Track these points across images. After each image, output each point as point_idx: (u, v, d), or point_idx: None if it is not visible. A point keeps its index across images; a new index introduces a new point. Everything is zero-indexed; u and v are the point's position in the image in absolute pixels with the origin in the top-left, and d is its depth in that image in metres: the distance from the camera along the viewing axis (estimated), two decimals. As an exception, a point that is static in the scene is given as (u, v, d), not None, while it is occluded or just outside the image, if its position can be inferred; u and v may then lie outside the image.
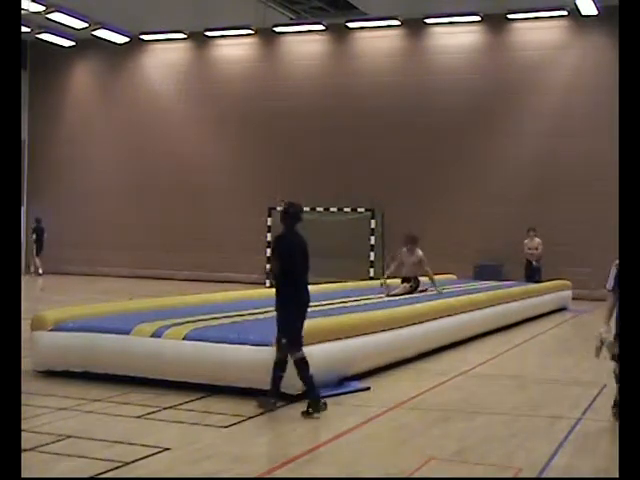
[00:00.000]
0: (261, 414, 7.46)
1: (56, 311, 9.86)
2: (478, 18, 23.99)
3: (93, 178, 28.40)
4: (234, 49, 27.11)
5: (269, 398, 7.69)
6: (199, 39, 27.24)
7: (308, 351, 8.09)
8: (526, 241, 20.72)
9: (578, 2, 21.48)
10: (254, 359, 8.11)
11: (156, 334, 8.68)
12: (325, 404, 7.58)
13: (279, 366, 7.70)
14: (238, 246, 26.11)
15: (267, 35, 26.21)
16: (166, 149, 27.50)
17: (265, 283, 23.95)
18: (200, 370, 8.32)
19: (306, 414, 7.44)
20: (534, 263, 20.50)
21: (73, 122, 29.07)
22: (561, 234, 22.14)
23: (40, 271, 26.79)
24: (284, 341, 7.66)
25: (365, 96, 25.23)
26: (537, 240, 20.57)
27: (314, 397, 7.54)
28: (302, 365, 7.62)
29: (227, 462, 5.95)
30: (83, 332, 8.99)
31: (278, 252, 7.84)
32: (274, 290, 7.89)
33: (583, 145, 22.93)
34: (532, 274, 20.25)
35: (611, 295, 6.83)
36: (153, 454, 6.07)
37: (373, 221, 23.54)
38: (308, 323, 8.71)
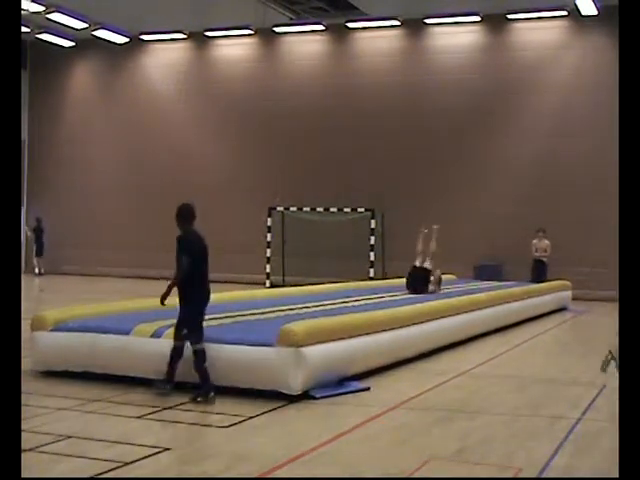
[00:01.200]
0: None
1: (56, 311, 9.85)
2: (478, 18, 23.99)
3: (93, 178, 28.40)
4: (234, 49, 27.12)
5: (164, 383, 8.03)
6: (199, 39, 27.25)
7: (309, 351, 8.12)
8: (534, 241, 20.76)
9: (578, 2, 21.48)
10: (254, 359, 8.11)
11: (156, 334, 8.69)
12: (214, 397, 7.84)
13: (176, 353, 8.09)
14: (238, 246, 26.10)
15: (267, 35, 26.22)
16: (166, 149, 27.51)
17: (265, 283, 23.99)
18: (200, 370, 8.31)
19: (194, 401, 7.82)
20: (545, 260, 20.56)
21: (73, 122, 29.08)
22: (561, 234, 22.14)
23: (42, 270, 26.81)
24: (185, 331, 8.09)
25: (365, 96, 25.24)
26: (546, 242, 20.62)
27: (206, 388, 7.88)
28: (200, 355, 7.97)
29: (227, 462, 5.94)
30: (83, 332, 8.99)
31: (182, 252, 8.30)
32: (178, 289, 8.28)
33: (583, 145, 22.94)
34: (539, 275, 20.23)
35: None
36: (153, 454, 6.07)
37: (373, 221, 23.54)
38: (309, 323, 8.74)
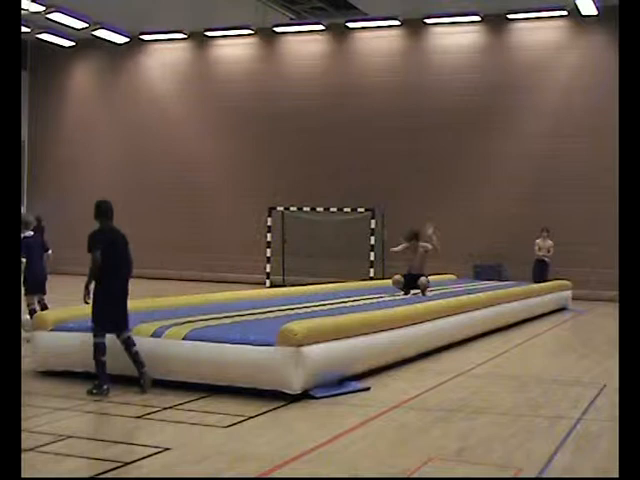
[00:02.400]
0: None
1: (56, 311, 9.84)
2: (478, 18, 23.99)
3: (93, 178, 28.39)
4: (234, 49, 27.12)
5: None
6: (199, 39, 27.25)
7: (309, 350, 8.11)
8: (538, 241, 20.76)
9: (578, 2, 21.48)
10: (254, 359, 8.11)
11: (156, 334, 8.68)
12: (108, 390, 8.02)
13: (131, 344, 8.30)
14: (238, 246, 26.11)
15: (267, 35, 26.22)
16: (166, 149, 27.51)
17: (265, 283, 23.98)
18: (200, 370, 8.31)
19: (90, 393, 8.00)
20: (548, 260, 20.56)
21: (73, 122, 29.08)
22: (561, 234, 22.13)
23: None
24: (93, 325, 8.29)
25: (365, 96, 25.23)
26: (550, 242, 20.64)
27: (101, 381, 8.07)
28: (100, 348, 8.16)
29: (227, 462, 5.94)
30: (83, 332, 8.97)
31: (91, 247, 8.42)
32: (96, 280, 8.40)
33: (583, 145, 22.94)
34: (541, 275, 20.22)
35: None
36: (153, 454, 6.06)
37: (373, 221, 23.54)
38: (309, 323, 8.74)
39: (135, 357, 8.27)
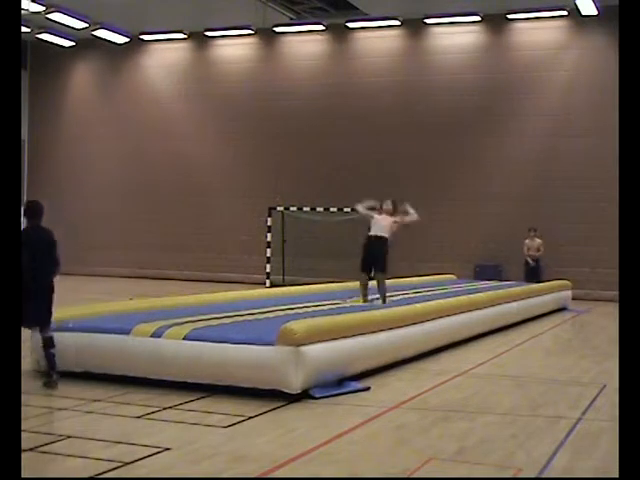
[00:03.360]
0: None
1: (56, 311, 9.83)
2: (478, 18, 24.00)
3: (93, 178, 28.41)
4: (234, 49, 27.12)
5: (51, 377, 8.41)
6: (199, 39, 27.25)
7: (309, 350, 8.12)
8: (526, 241, 20.60)
9: (578, 2, 21.49)
10: (254, 359, 8.11)
11: (156, 334, 8.67)
12: (56, 382, 8.35)
13: (49, 345, 8.58)
14: (238, 246, 26.13)
15: (267, 35, 26.22)
16: (166, 149, 27.52)
17: (265, 283, 23.99)
18: (200, 370, 8.31)
19: (46, 385, 8.35)
20: (532, 263, 20.41)
21: (73, 122, 29.08)
22: (561, 234, 22.16)
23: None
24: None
25: (365, 96, 25.24)
26: (538, 241, 20.45)
27: (53, 372, 8.42)
28: (49, 343, 8.55)
29: (227, 462, 5.94)
30: (83, 332, 8.99)
31: (29, 244, 8.49)
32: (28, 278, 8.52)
33: (583, 145, 22.95)
34: (532, 275, 20.15)
35: None
36: (153, 454, 6.06)
37: (373, 221, 23.51)
38: (309, 322, 8.74)
39: (50, 358, 8.49)
